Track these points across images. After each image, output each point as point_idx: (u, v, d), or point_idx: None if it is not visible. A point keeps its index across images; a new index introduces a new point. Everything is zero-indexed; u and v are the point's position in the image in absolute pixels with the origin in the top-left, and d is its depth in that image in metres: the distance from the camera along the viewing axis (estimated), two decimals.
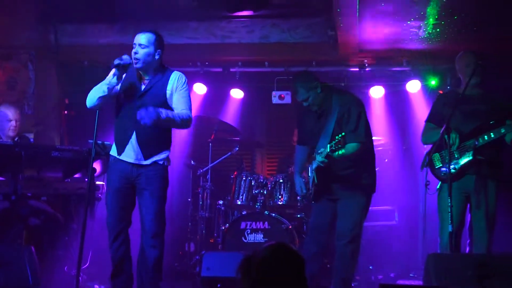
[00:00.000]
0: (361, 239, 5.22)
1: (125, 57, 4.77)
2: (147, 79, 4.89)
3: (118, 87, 4.90)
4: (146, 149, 4.84)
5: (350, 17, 6.35)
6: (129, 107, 4.86)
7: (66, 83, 8.03)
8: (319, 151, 4.94)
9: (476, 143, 4.88)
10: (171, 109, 4.84)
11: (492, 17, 6.37)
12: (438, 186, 5.13)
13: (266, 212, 6.66)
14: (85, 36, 7.67)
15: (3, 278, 4.34)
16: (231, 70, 8.09)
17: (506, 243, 6.02)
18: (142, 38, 4.81)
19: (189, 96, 4.99)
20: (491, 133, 4.84)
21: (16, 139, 6.13)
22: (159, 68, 4.93)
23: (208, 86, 8.32)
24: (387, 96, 8.16)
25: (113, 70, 4.74)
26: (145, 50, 4.80)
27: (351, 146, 4.91)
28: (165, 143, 4.97)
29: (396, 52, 7.66)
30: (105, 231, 4.98)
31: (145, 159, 4.84)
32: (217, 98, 8.51)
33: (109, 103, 4.93)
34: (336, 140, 4.64)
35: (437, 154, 5.12)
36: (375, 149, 5.39)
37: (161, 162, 4.89)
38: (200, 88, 8.28)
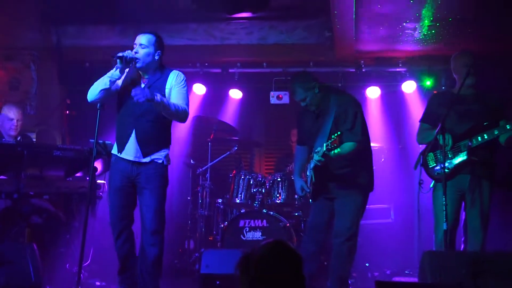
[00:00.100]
0: (357, 237, 5.21)
1: (127, 52, 4.77)
2: (147, 78, 4.90)
3: (120, 82, 4.92)
4: (145, 147, 4.84)
5: (346, 19, 6.36)
6: (129, 105, 4.88)
7: (68, 83, 8.03)
8: (316, 150, 4.94)
9: (470, 143, 4.86)
10: None
11: (486, 18, 6.37)
12: (431, 185, 5.13)
13: (264, 210, 6.65)
14: (86, 38, 7.68)
15: (6, 275, 4.34)
16: (230, 70, 8.09)
17: (499, 241, 6.03)
18: (142, 39, 4.85)
19: (187, 93, 4.99)
20: (485, 135, 4.82)
21: (18, 139, 6.12)
22: (159, 68, 4.95)
23: (208, 86, 8.32)
24: (383, 96, 8.15)
25: (117, 63, 4.73)
26: (145, 50, 4.82)
27: (348, 145, 4.91)
28: (164, 142, 4.97)
29: (392, 53, 7.67)
30: (106, 229, 4.98)
31: (144, 156, 4.85)
32: (216, 98, 8.50)
33: (110, 100, 4.93)
34: (332, 139, 4.63)
35: (431, 154, 5.11)
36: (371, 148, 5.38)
37: (160, 161, 4.89)
38: (199, 89, 8.28)
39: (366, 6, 6.12)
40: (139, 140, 4.83)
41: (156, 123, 4.87)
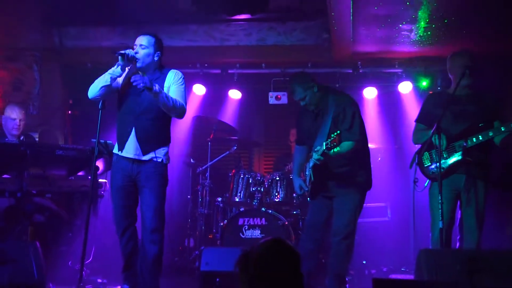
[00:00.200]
0: (355, 235, 5.21)
1: (128, 50, 4.80)
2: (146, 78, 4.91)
3: (121, 80, 4.96)
4: (145, 145, 4.86)
5: (344, 20, 6.35)
6: (129, 104, 4.93)
7: (70, 84, 8.02)
8: (315, 149, 4.94)
9: (465, 144, 4.85)
10: None
11: (482, 20, 6.37)
12: (426, 184, 5.12)
13: (263, 209, 6.65)
14: (88, 39, 7.68)
15: (10, 273, 4.33)
16: (230, 71, 8.09)
17: (494, 240, 6.04)
18: (142, 40, 4.90)
19: (185, 91, 5.01)
20: (480, 136, 4.81)
21: (21, 138, 6.11)
22: (158, 68, 4.99)
23: (207, 87, 8.32)
24: (380, 97, 8.16)
25: (118, 60, 4.76)
26: (145, 50, 4.87)
27: (346, 144, 4.91)
28: (164, 140, 4.99)
29: (389, 55, 7.67)
30: (108, 227, 5.00)
31: (144, 154, 4.87)
32: (216, 98, 8.51)
33: (110, 98, 4.95)
34: (332, 138, 4.63)
35: (426, 153, 5.10)
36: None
37: (160, 160, 4.90)
38: (199, 89, 8.28)
39: (363, 8, 6.12)
40: (138, 138, 4.85)
41: (156, 121, 4.89)
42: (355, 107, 5.14)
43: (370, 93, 8.08)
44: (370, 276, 6.78)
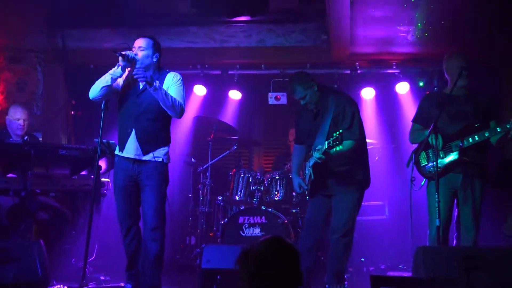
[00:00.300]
0: (354, 233, 5.21)
1: (129, 51, 4.85)
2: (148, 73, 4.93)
3: (121, 82, 4.99)
4: (145, 145, 4.88)
5: (342, 22, 6.36)
6: (129, 105, 4.96)
7: (73, 85, 8.02)
8: (317, 148, 4.94)
9: (461, 144, 4.84)
10: None
11: (478, 21, 6.37)
12: (422, 183, 5.11)
13: (263, 207, 6.65)
14: (90, 41, 7.68)
15: (14, 271, 4.33)
16: (230, 72, 8.09)
17: (491, 237, 6.03)
18: (141, 42, 4.96)
19: (183, 92, 5.03)
20: (476, 136, 4.79)
21: (25, 138, 6.10)
22: (157, 69, 5.01)
23: (208, 87, 8.32)
24: (378, 97, 8.15)
25: (119, 60, 4.78)
26: (144, 52, 4.91)
27: (347, 143, 4.91)
28: (164, 140, 5.00)
29: (386, 56, 7.67)
30: (110, 226, 5.00)
31: (144, 154, 4.89)
32: (216, 99, 8.50)
33: (111, 98, 4.97)
34: (334, 137, 4.64)
35: (423, 153, 5.09)
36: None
37: (160, 159, 4.92)
38: (200, 90, 8.28)
39: (361, 10, 6.13)
40: (139, 139, 4.88)
41: (155, 122, 4.92)
42: (354, 107, 5.14)
43: (368, 93, 8.08)
44: (368, 273, 6.77)
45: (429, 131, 4.77)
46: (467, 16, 6.22)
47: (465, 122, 4.91)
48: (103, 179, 6.08)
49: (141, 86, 4.93)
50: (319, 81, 5.34)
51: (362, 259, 7.07)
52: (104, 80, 4.84)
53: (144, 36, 4.99)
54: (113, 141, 5.49)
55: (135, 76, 4.69)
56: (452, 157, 4.89)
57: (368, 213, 7.27)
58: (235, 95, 8.38)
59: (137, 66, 4.84)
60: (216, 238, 7.04)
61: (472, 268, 3.81)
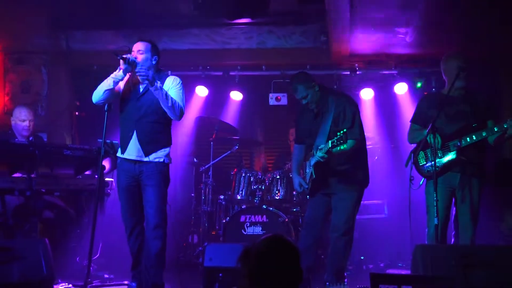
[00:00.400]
0: (353, 232, 5.21)
1: (129, 55, 4.88)
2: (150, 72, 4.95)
3: (122, 85, 5.01)
4: (146, 146, 4.91)
5: (342, 24, 6.36)
6: (130, 108, 4.99)
7: (76, 86, 8.04)
8: (319, 147, 4.95)
9: (459, 144, 4.85)
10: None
11: (476, 22, 6.37)
12: (421, 182, 5.12)
13: (264, 206, 6.65)
14: (94, 42, 7.70)
15: (20, 270, 4.33)
16: (231, 73, 8.08)
17: (488, 236, 6.04)
18: (140, 46, 5.00)
19: (183, 94, 5.06)
20: (473, 136, 4.80)
21: (30, 139, 6.11)
22: (156, 72, 5.03)
23: (209, 88, 8.32)
24: (377, 97, 8.15)
25: (120, 63, 4.81)
26: (143, 55, 4.96)
27: (349, 143, 4.90)
28: (165, 141, 5.02)
29: (385, 57, 7.67)
30: (114, 225, 5.02)
31: (146, 155, 4.91)
32: (217, 100, 8.50)
33: (113, 100, 5.00)
34: (339, 136, 4.65)
35: (421, 153, 5.09)
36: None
37: (161, 160, 4.94)
38: (201, 91, 8.28)
39: (360, 12, 6.12)
40: (140, 140, 4.91)
41: (156, 124, 4.95)
42: (355, 108, 5.15)
43: (367, 94, 8.08)
44: (368, 271, 6.77)
45: (427, 131, 4.77)
46: (466, 16, 6.21)
47: (463, 122, 4.92)
48: (107, 179, 6.09)
49: (141, 89, 4.97)
50: (319, 82, 5.35)
51: (362, 257, 7.08)
52: (106, 84, 4.88)
53: (142, 40, 5.03)
54: (117, 142, 5.50)
55: (137, 74, 4.73)
56: (450, 156, 4.90)
57: (367, 211, 7.28)
58: (236, 96, 8.39)
59: (137, 68, 4.85)
60: (218, 237, 7.05)
61: (469, 266, 3.82)
